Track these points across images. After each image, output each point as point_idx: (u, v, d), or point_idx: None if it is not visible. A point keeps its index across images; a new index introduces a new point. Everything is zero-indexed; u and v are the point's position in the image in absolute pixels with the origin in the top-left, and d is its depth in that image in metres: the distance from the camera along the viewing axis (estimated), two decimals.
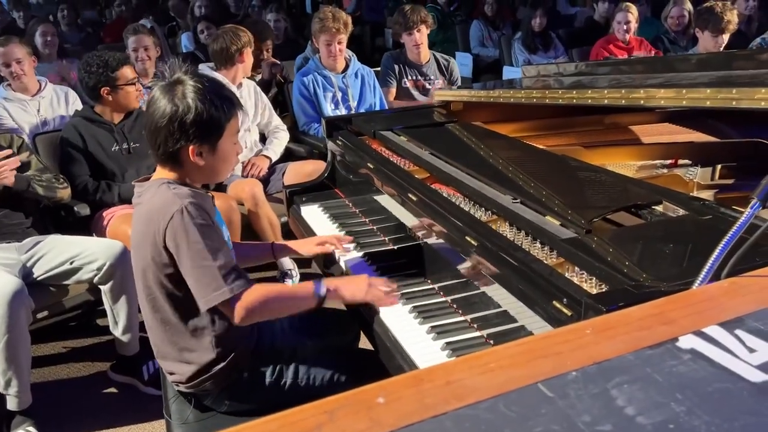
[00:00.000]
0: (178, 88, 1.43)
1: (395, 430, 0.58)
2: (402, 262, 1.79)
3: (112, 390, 2.56)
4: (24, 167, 2.58)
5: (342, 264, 1.86)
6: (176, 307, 1.48)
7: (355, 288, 1.54)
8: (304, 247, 1.88)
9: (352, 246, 1.90)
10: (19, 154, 2.59)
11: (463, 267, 1.51)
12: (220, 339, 1.51)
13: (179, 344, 1.51)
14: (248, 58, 3.41)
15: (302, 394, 1.55)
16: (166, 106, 1.42)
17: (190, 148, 1.44)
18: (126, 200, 2.81)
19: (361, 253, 1.87)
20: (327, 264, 1.95)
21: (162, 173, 1.51)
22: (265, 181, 3.35)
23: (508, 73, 5.15)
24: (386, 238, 1.95)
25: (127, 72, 2.90)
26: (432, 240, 1.68)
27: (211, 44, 3.43)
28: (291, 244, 1.91)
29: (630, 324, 0.75)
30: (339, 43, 3.60)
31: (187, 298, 1.44)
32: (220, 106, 1.45)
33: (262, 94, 3.59)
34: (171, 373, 1.56)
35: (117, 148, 2.91)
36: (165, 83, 1.45)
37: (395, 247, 1.89)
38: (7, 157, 2.47)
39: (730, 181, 1.76)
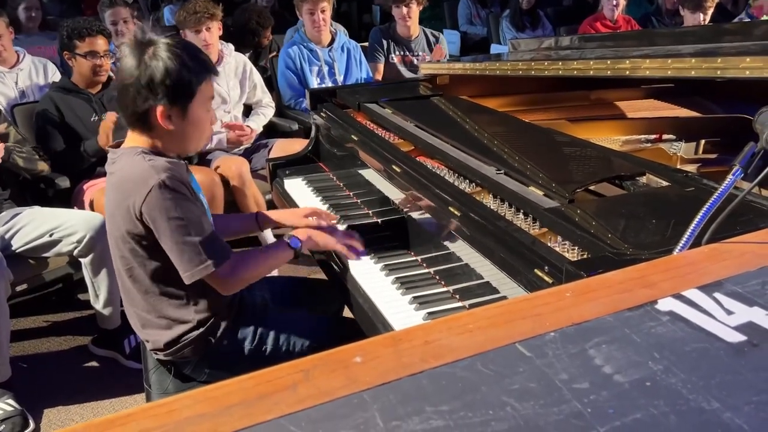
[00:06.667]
0: (150, 47, 1.39)
1: (372, 387, 0.58)
2: (386, 235, 1.78)
3: (93, 364, 2.54)
4: (2, 138, 2.53)
5: None
6: (154, 275, 1.47)
7: (326, 236, 1.62)
8: (290, 219, 1.85)
9: (336, 222, 1.88)
10: None
11: (446, 238, 1.50)
12: (200, 304, 1.50)
13: (159, 311, 1.50)
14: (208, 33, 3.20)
15: (283, 361, 1.54)
16: (134, 63, 1.38)
17: (159, 109, 1.39)
18: (94, 155, 2.76)
19: (344, 226, 1.86)
20: None
21: (134, 139, 1.47)
22: (250, 157, 3.31)
23: (496, 51, 5.12)
24: (370, 212, 1.94)
25: (94, 42, 2.77)
26: (415, 212, 1.67)
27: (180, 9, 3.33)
28: (274, 214, 1.89)
29: (610, 287, 0.75)
30: (322, 11, 3.53)
31: (165, 267, 1.43)
32: (192, 67, 1.41)
33: (254, 71, 3.46)
34: (148, 341, 1.55)
35: (96, 118, 2.85)
36: (135, 42, 1.41)
37: (379, 220, 1.88)
38: None
39: (713, 156, 1.76)
